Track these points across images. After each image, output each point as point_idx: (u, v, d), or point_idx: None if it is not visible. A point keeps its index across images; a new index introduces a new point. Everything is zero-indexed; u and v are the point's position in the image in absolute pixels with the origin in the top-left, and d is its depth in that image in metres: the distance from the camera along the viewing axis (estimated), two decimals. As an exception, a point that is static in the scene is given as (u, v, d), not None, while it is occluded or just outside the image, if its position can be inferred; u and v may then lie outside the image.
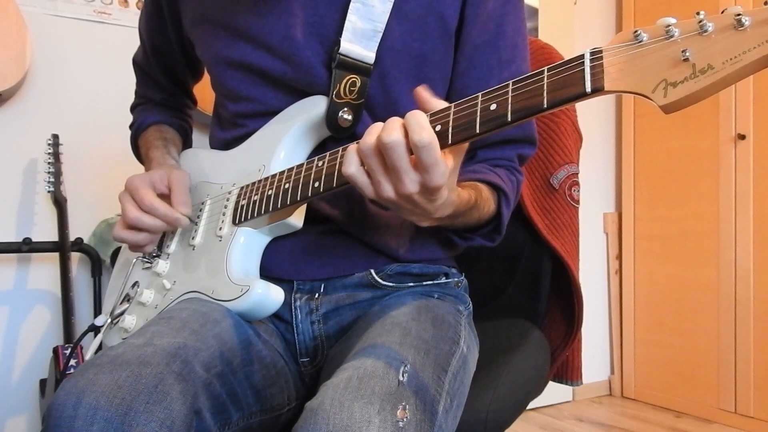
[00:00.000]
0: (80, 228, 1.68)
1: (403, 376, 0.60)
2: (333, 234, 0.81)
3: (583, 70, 0.51)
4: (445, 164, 0.58)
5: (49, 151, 1.60)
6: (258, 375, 0.72)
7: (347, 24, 0.77)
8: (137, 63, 1.06)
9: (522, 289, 1.03)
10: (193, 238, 0.83)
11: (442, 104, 0.62)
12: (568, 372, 1.07)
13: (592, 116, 2.60)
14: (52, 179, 1.58)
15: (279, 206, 0.74)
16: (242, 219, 0.78)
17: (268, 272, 0.80)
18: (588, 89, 0.51)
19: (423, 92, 0.62)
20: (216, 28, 0.85)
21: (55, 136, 1.63)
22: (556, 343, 1.02)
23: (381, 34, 0.78)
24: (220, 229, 0.80)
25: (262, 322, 0.79)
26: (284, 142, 0.80)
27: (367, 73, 0.78)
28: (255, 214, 0.77)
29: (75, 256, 1.70)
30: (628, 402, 2.55)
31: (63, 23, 1.73)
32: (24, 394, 1.65)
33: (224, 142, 0.90)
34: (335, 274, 0.80)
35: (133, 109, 1.07)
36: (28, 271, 1.69)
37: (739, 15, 0.43)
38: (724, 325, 2.26)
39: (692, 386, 2.36)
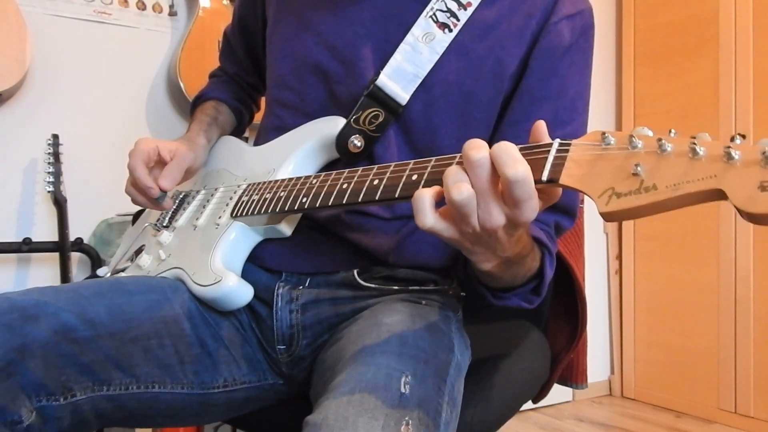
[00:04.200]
0: (80, 228, 1.68)
1: (404, 387, 0.60)
2: (322, 231, 0.82)
3: (546, 158, 0.53)
4: (537, 197, 0.54)
5: (49, 151, 1.61)
6: (170, 350, 0.75)
7: (391, 60, 0.79)
8: (226, 33, 1.10)
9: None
10: (197, 219, 0.87)
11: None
12: (573, 375, 1.06)
13: (592, 116, 2.59)
14: (52, 179, 1.58)
15: (269, 211, 0.77)
16: (239, 214, 0.81)
17: (259, 261, 0.83)
18: (544, 178, 0.52)
19: (541, 128, 0.58)
20: (290, 15, 0.88)
21: (55, 136, 1.63)
22: (561, 345, 1.01)
23: (420, 81, 0.79)
24: (220, 217, 0.84)
25: (236, 314, 0.82)
26: (295, 154, 0.84)
27: (394, 111, 0.79)
28: (250, 212, 0.79)
29: (75, 256, 1.70)
30: (628, 402, 2.55)
31: (63, 23, 1.73)
32: (24, 394, 1.65)
33: (260, 129, 0.94)
34: (321, 269, 0.81)
35: (210, 76, 1.12)
36: (28, 271, 1.69)
37: (694, 143, 0.43)
38: (724, 325, 2.26)
39: (692, 386, 2.36)
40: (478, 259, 0.62)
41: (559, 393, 2.47)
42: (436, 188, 0.57)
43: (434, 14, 0.79)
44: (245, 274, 0.81)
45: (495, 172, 0.53)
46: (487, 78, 0.79)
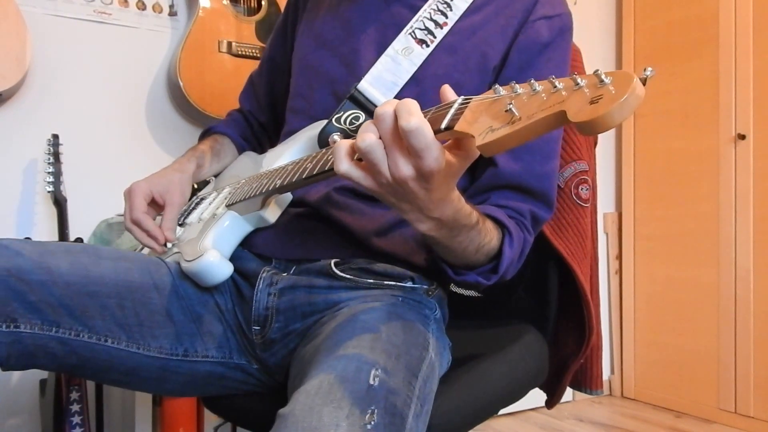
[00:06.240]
0: (80, 228, 1.68)
1: (374, 380, 0.62)
2: (314, 217, 0.87)
3: (449, 111, 0.57)
4: (439, 148, 0.57)
5: (49, 151, 1.61)
6: (130, 312, 0.79)
7: (373, 69, 0.87)
8: (251, 75, 1.18)
9: (530, 292, 1.01)
10: (203, 213, 0.97)
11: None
12: (587, 380, 1.06)
13: (592, 116, 2.59)
14: (52, 179, 1.58)
15: (253, 195, 0.83)
16: (231, 202, 0.89)
17: (254, 248, 0.89)
18: (443, 126, 0.57)
19: (447, 90, 0.63)
20: (311, 36, 0.99)
21: (55, 136, 1.63)
22: (570, 349, 0.99)
23: (399, 89, 0.87)
24: (218, 209, 0.93)
25: (217, 297, 0.86)
26: (287, 154, 0.93)
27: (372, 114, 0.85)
28: (238, 199, 0.87)
29: (75, 256, 1.70)
30: (628, 402, 2.55)
31: (63, 23, 1.73)
32: (24, 394, 1.65)
33: (280, 137, 1.02)
34: (305, 256, 0.85)
35: (227, 115, 1.19)
36: (28, 271, 1.69)
37: (554, 79, 0.48)
38: (724, 325, 2.26)
39: (692, 386, 2.36)
40: (410, 218, 0.66)
41: (559, 393, 2.46)
42: (354, 140, 0.62)
43: (413, 32, 0.88)
44: (240, 260, 0.86)
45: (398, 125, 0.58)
46: (473, 71, 0.87)
